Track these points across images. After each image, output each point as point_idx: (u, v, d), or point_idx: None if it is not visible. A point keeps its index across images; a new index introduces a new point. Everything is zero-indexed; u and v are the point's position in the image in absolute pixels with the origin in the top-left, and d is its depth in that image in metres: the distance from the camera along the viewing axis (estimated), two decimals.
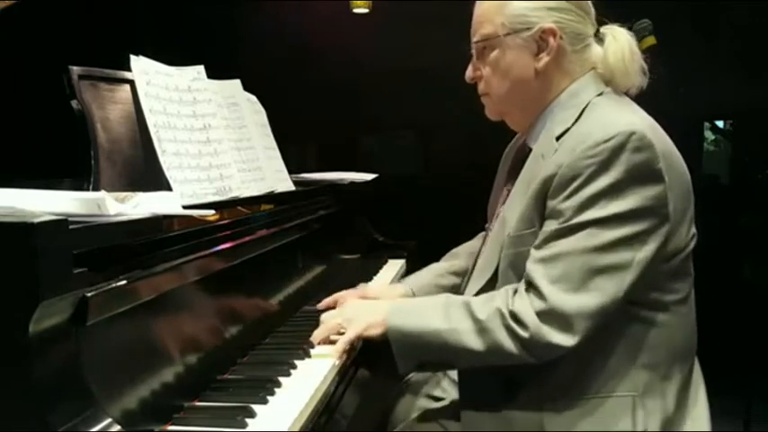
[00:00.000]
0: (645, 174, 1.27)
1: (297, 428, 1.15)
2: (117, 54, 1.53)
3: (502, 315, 1.31)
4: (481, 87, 1.51)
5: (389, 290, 1.85)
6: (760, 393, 2.87)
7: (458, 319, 1.35)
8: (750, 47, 3.53)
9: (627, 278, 1.28)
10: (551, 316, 1.27)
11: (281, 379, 1.30)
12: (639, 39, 1.78)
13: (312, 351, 1.46)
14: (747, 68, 3.56)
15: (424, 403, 1.73)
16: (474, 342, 1.32)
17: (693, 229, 1.38)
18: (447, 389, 1.72)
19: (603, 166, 1.27)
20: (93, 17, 2.75)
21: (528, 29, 1.40)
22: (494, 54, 1.45)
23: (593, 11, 1.46)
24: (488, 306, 1.33)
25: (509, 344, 1.30)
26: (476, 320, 1.33)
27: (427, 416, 1.59)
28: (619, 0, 1.46)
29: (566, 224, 1.29)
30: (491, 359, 1.33)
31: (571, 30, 1.41)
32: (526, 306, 1.29)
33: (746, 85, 3.56)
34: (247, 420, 1.12)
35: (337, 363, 1.40)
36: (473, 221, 1.83)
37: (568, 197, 1.29)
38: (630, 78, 1.43)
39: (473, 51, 1.50)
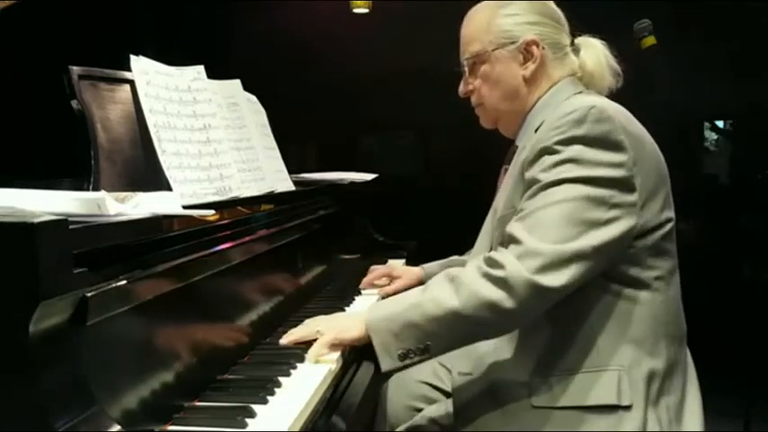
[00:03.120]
0: (605, 142, 1.37)
1: (297, 428, 1.15)
2: (117, 54, 1.53)
3: (479, 266, 1.34)
4: (474, 99, 1.66)
5: (408, 271, 2.03)
6: (760, 393, 2.87)
7: (435, 287, 1.37)
8: (750, 47, 3.53)
9: (599, 235, 1.33)
10: (528, 255, 1.30)
11: (281, 379, 1.30)
12: (639, 39, 1.80)
13: (284, 341, 1.47)
14: (747, 68, 3.56)
15: (421, 391, 1.75)
16: (453, 301, 1.31)
17: (670, 213, 1.45)
18: (442, 377, 1.74)
19: (567, 137, 1.37)
20: (93, 17, 2.75)
21: (513, 42, 1.56)
22: (484, 67, 1.60)
23: (566, 24, 1.62)
24: (465, 267, 1.38)
25: (488, 289, 1.29)
26: (452, 280, 1.35)
27: (425, 415, 1.60)
28: (619, 0, 1.47)
29: (537, 185, 1.38)
30: (473, 317, 1.30)
31: (551, 40, 1.57)
32: (503, 252, 1.34)
33: (746, 85, 3.56)
34: (247, 420, 1.12)
35: (334, 367, 1.39)
36: (473, 221, 1.83)
37: (539, 166, 1.39)
38: (606, 81, 1.58)
39: (464, 69, 1.64)
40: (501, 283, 1.29)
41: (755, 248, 3.69)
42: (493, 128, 1.68)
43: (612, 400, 1.34)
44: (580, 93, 1.54)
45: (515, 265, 1.29)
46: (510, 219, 1.43)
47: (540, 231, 1.32)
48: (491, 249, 1.51)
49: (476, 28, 1.61)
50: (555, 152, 1.38)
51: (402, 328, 1.34)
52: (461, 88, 1.67)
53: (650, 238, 1.40)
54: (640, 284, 1.40)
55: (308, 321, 1.51)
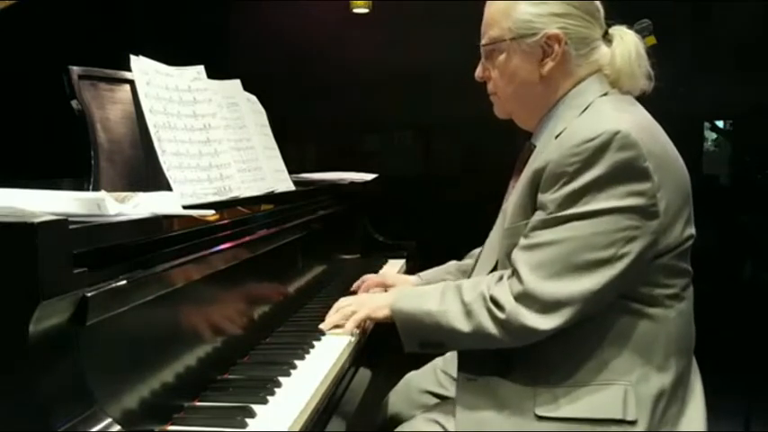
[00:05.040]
0: (628, 172, 1.30)
1: (297, 428, 1.15)
2: (117, 54, 1.53)
3: (484, 298, 1.38)
4: (490, 87, 1.56)
5: (403, 279, 1.98)
6: (760, 393, 2.87)
7: (449, 302, 1.42)
8: (750, 47, 3.53)
9: (607, 273, 1.30)
10: (527, 298, 1.32)
11: (281, 379, 1.30)
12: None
13: (324, 327, 1.60)
14: (747, 68, 3.56)
15: (424, 400, 1.75)
16: (461, 323, 1.39)
17: (691, 230, 1.40)
18: (445, 385, 1.74)
19: (587, 164, 1.30)
20: (92, 17, 2.75)
21: (533, 34, 1.43)
22: (501, 57, 1.49)
23: (601, 13, 1.48)
24: (475, 290, 1.40)
25: (489, 325, 1.36)
26: (463, 303, 1.40)
27: (426, 415, 1.60)
28: (619, 0, 1.46)
29: (550, 216, 1.33)
30: (477, 340, 1.39)
31: (577, 35, 1.43)
32: (505, 290, 1.36)
33: (746, 85, 3.56)
34: (247, 420, 1.12)
35: (353, 339, 1.43)
36: (473, 221, 1.83)
37: (554, 192, 1.33)
38: (636, 81, 1.45)
39: (482, 52, 1.54)
40: (499, 323, 1.35)
41: (755, 248, 3.69)
42: (506, 118, 1.58)
43: (617, 415, 1.32)
44: (605, 95, 1.43)
45: (513, 309, 1.33)
46: (518, 233, 1.40)
47: (543, 270, 1.31)
48: (497, 260, 1.47)
49: (497, 11, 1.48)
50: (572, 180, 1.31)
51: (420, 326, 1.45)
52: (478, 72, 1.56)
53: (668, 256, 1.35)
54: (654, 302, 1.36)
55: (338, 303, 1.65)
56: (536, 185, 1.37)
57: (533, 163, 1.41)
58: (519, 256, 1.36)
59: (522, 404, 1.37)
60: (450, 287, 1.46)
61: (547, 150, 1.38)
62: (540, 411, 1.35)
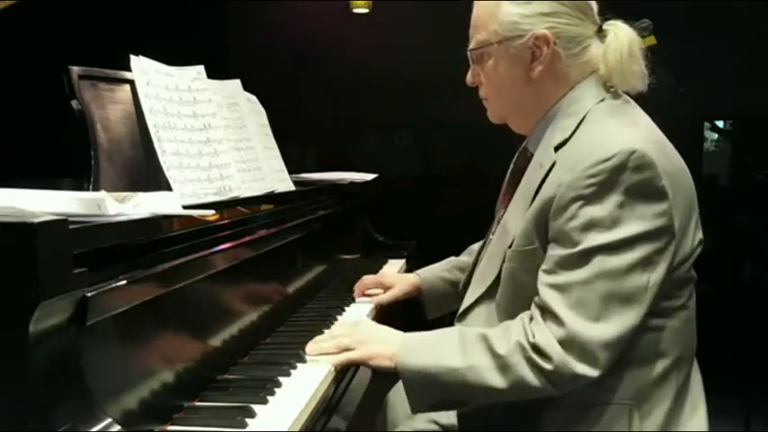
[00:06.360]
0: (647, 193, 1.25)
1: (297, 428, 1.15)
2: (117, 54, 1.53)
3: (523, 348, 1.26)
4: (481, 92, 1.50)
5: (402, 278, 1.95)
6: (760, 393, 2.87)
7: (476, 356, 1.29)
8: (750, 47, 3.53)
9: (645, 302, 1.25)
10: (573, 344, 1.23)
11: (281, 379, 1.30)
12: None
13: (307, 355, 1.42)
14: (747, 68, 3.56)
15: None
16: (496, 379, 1.27)
17: (700, 235, 1.36)
18: None
19: (605, 187, 1.24)
20: (92, 17, 2.75)
21: (520, 36, 1.36)
22: (489, 62, 1.42)
23: (594, 9, 1.41)
24: (507, 339, 1.28)
25: (533, 378, 1.25)
26: (496, 356, 1.27)
27: (425, 415, 1.59)
28: (619, 0, 1.46)
29: (575, 250, 1.25)
30: (513, 395, 1.28)
31: (567, 34, 1.37)
32: (547, 336, 1.25)
33: (746, 85, 3.56)
34: (247, 420, 1.12)
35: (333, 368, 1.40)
36: (473, 221, 1.83)
37: (571, 218, 1.26)
38: (628, 81, 1.37)
39: (471, 58, 1.48)
40: (544, 374, 1.25)
41: (755, 248, 3.69)
42: (500, 123, 1.52)
43: (624, 428, 1.29)
44: (603, 101, 1.36)
45: (561, 358, 1.23)
46: (525, 258, 1.33)
47: (582, 311, 1.24)
48: (498, 275, 1.39)
49: (483, 13, 1.42)
50: (589, 204, 1.24)
51: (437, 385, 1.30)
52: (469, 78, 1.50)
53: (681, 269, 1.32)
54: (663, 314, 1.32)
55: (336, 332, 1.50)
56: (545, 213, 1.30)
57: (535, 178, 1.35)
58: (551, 297, 1.26)
59: (527, 424, 1.34)
60: (470, 338, 1.32)
61: (553, 173, 1.32)
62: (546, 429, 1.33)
